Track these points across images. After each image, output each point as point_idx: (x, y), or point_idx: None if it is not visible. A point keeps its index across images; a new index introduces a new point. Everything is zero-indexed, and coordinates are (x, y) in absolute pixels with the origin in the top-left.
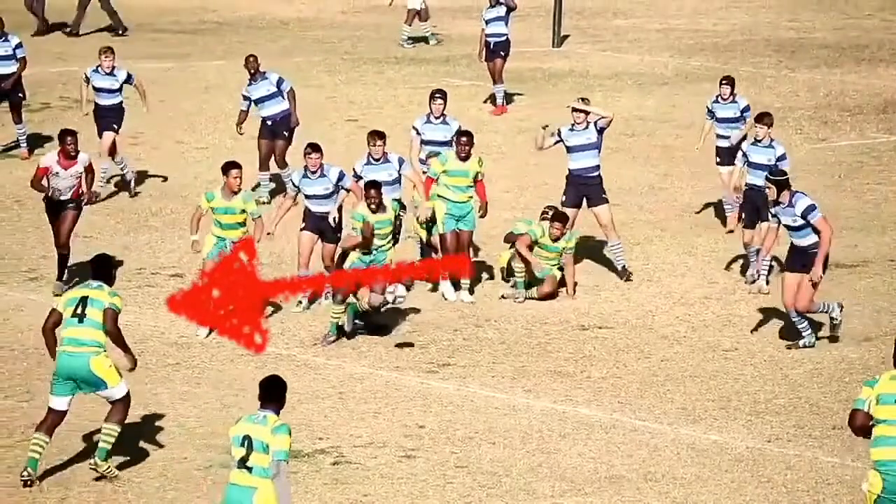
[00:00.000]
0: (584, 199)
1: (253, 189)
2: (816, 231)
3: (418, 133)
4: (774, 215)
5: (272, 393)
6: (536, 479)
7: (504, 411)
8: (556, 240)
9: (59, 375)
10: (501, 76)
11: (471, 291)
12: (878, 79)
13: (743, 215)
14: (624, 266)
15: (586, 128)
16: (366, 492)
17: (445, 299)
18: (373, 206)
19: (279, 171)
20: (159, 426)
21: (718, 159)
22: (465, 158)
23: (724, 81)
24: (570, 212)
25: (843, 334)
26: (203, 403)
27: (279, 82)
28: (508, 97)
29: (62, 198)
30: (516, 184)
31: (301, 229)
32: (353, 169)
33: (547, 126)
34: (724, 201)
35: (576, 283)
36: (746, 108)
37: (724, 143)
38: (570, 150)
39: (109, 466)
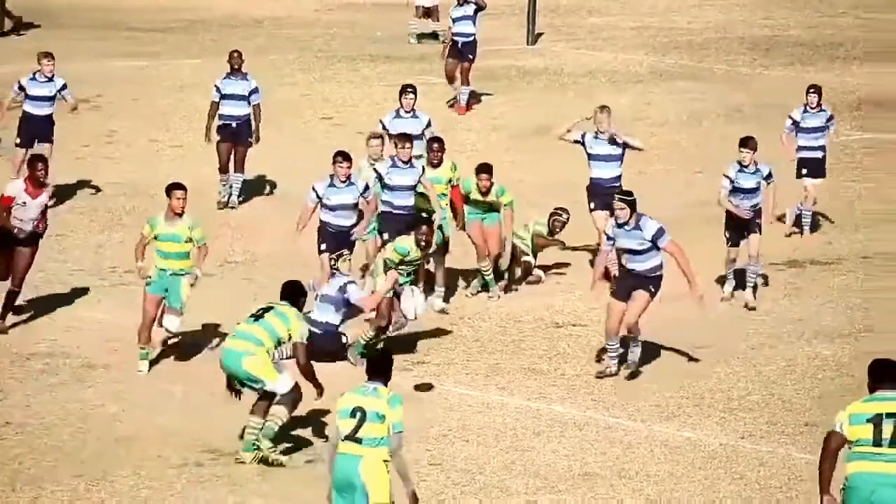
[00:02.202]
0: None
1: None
2: (665, 254)
3: (385, 128)
4: (611, 238)
5: (380, 366)
6: (510, 476)
7: (478, 409)
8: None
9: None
10: (468, 78)
11: (445, 300)
12: (851, 76)
13: (728, 235)
14: None
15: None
16: None
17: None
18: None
19: (235, 176)
20: (133, 424)
21: (805, 171)
22: (437, 165)
23: (811, 90)
24: (601, 215)
25: (818, 331)
26: (178, 402)
27: (253, 90)
28: (476, 96)
29: (24, 231)
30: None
31: (321, 251)
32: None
33: (580, 121)
34: (802, 213)
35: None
36: (831, 118)
37: (809, 154)
38: (592, 157)
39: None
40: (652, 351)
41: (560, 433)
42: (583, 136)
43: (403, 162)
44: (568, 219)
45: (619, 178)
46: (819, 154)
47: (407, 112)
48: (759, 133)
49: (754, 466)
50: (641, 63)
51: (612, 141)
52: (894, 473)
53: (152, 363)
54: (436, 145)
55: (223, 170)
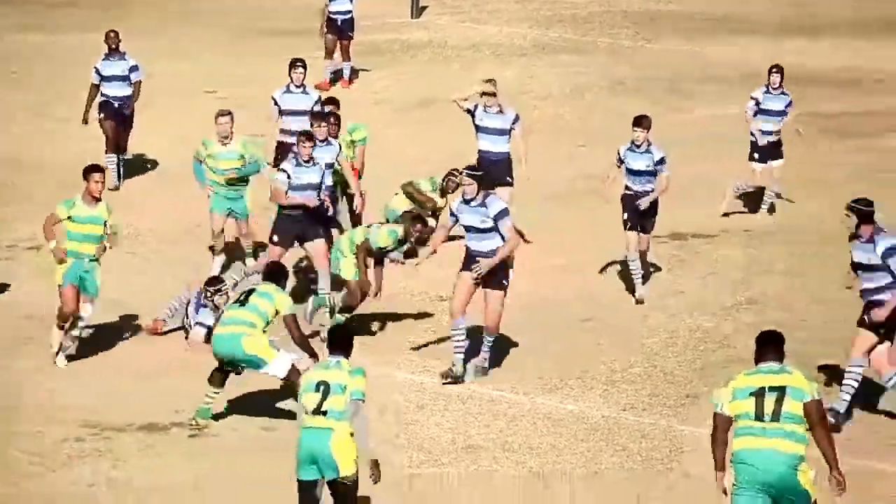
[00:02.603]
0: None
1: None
2: (502, 237)
3: (276, 104)
4: (454, 214)
5: (341, 341)
6: (393, 449)
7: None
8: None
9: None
10: (349, 54)
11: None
12: (736, 50)
13: (627, 220)
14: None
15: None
16: (224, 464)
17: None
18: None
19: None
20: (12, 402)
21: (757, 155)
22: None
23: (774, 70)
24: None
25: (700, 304)
26: (58, 378)
27: (133, 68)
28: (355, 71)
29: None
30: (376, 156)
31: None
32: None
33: (476, 94)
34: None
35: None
36: (790, 103)
37: (765, 139)
38: (479, 129)
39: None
40: (535, 324)
41: (444, 406)
42: (474, 108)
43: (321, 140)
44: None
45: (506, 153)
46: (775, 138)
47: (297, 86)
48: (643, 107)
49: (636, 438)
50: (525, 36)
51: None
52: (777, 449)
53: (32, 339)
54: (332, 119)
55: (110, 149)
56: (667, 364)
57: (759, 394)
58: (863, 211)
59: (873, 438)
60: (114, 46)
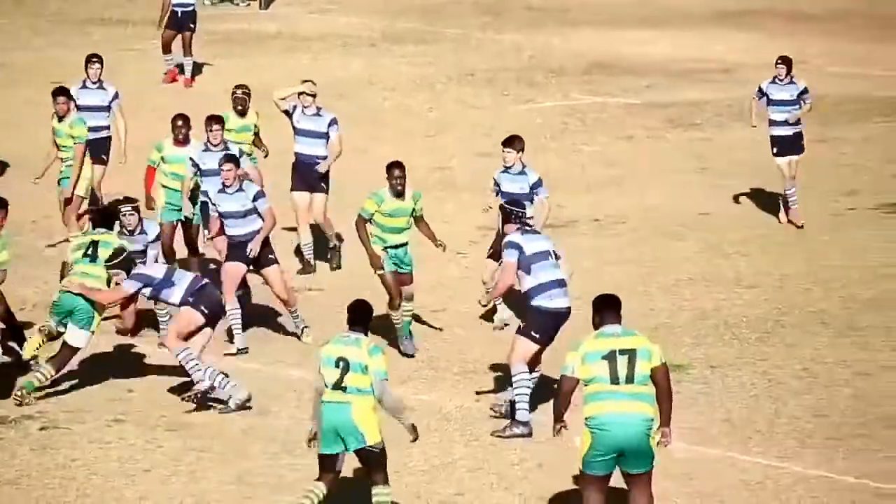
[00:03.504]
0: None
1: None
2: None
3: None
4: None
5: (360, 316)
6: (249, 440)
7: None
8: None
9: None
10: (191, 48)
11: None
12: (581, 41)
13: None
14: None
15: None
16: (74, 456)
17: None
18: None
19: None
20: None
21: (776, 149)
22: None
23: (779, 62)
24: (301, 196)
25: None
26: None
27: None
28: (198, 66)
29: None
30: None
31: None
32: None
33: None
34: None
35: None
36: (805, 91)
37: (779, 131)
38: (297, 132)
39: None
40: (386, 315)
41: (297, 397)
42: (293, 108)
43: (214, 145)
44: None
45: (323, 157)
46: (789, 131)
47: (94, 83)
48: (492, 99)
49: (488, 427)
50: (373, 27)
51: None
52: (634, 412)
53: None
54: (180, 121)
55: None
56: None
57: (610, 357)
58: None
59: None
60: None
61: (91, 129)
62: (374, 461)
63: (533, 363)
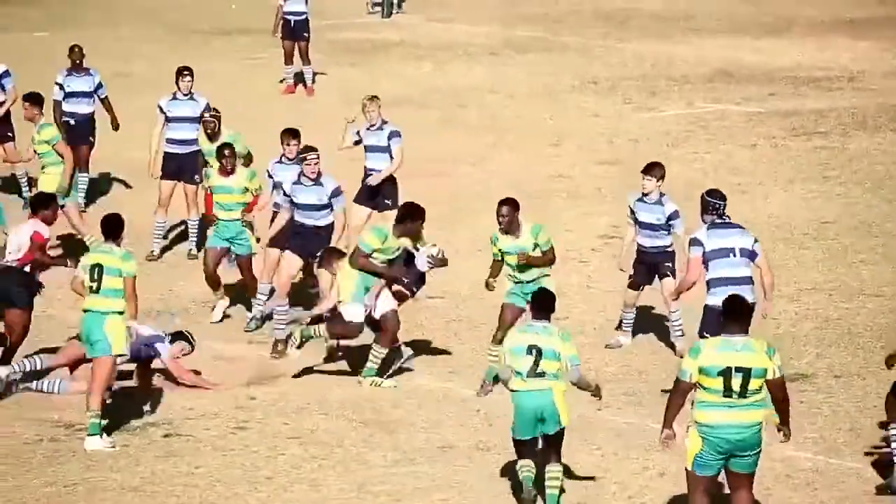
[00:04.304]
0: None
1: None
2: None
3: (162, 111)
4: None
5: (545, 303)
6: (368, 449)
7: (336, 381)
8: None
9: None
10: (308, 57)
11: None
12: (704, 49)
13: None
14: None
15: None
16: (198, 464)
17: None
18: None
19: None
20: None
21: None
22: (230, 172)
23: None
24: (361, 209)
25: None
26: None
27: (99, 85)
28: (320, 77)
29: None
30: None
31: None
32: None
33: (347, 123)
34: None
35: None
36: None
37: None
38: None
39: None
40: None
41: (418, 406)
42: (357, 133)
43: (290, 160)
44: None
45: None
46: None
47: (185, 95)
48: (615, 107)
49: (609, 437)
50: (496, 35)
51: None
52: (745, 420)
53: None
54: (227, 152)
55: (80, 168)
56: (640, 363)
57: (725, 373)
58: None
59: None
60: (78, 62)
61: (180, 143)
62: (558, 440)
63: None
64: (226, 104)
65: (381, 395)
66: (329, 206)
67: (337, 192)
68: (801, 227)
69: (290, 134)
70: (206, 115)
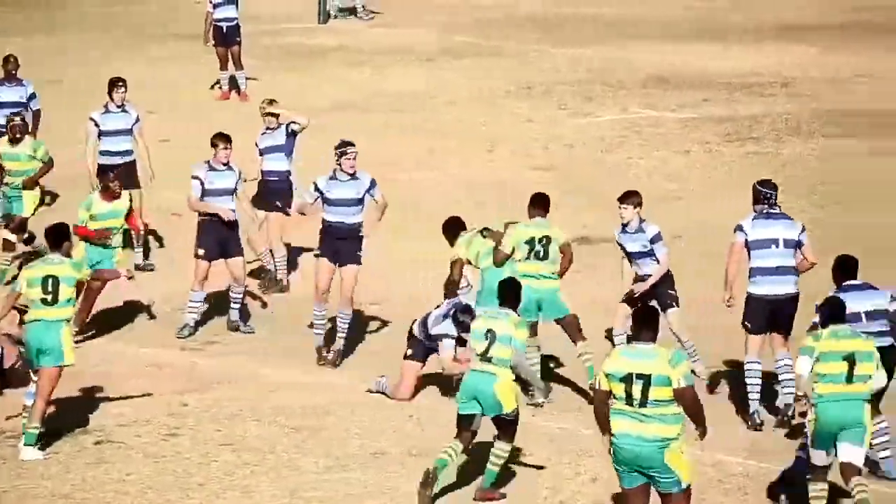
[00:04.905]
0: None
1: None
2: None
3: (96, 125)
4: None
5: (510, 294)
6: (301, 455)
7: (270, 388)
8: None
9: None
10: (241, 62)
11: None
12: (639, 55)
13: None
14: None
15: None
16: (129, 471)
17: None
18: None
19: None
20: None
21: None
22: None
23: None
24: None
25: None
26: None
27: (31, 96)
28: (256, 82)
29: None
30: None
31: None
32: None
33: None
34: None
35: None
36: None
37: None
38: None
39: None
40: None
41: (351, 412)
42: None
43: (223, 164)
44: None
45: (287, 172)
46: None
47: (118, 107)
48: (549, 112)
49: (543, 442)
50: (433, 41)
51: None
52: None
53: None
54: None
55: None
56: (580, 369)
57: (627, 380)
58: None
59: None
60: (13, 71)
61: (118, 154)
62: (506, 426)
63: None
64: (164, 110)
65: (313, 401)
66: (362, 201)
67: (374, 183)
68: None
69: (221, 138)
70: (16, 119)
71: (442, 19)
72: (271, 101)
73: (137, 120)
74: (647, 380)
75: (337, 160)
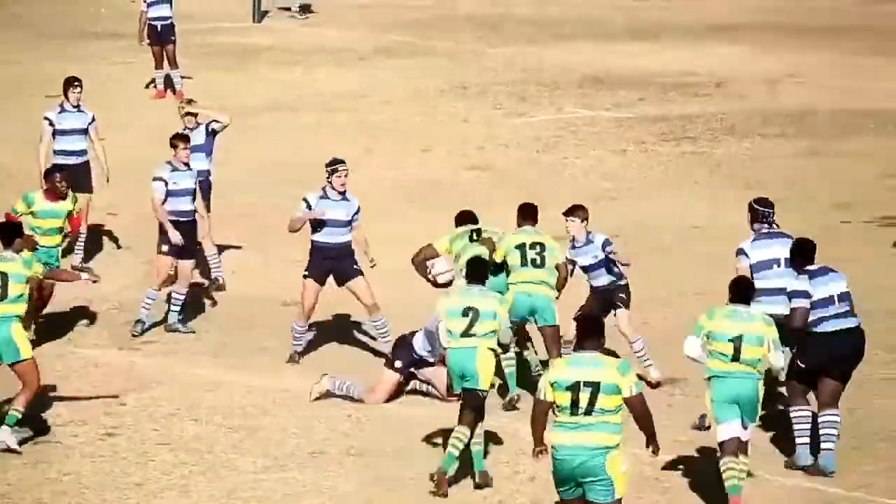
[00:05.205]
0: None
1: None
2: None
3: (51, 124)
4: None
5: (481, 272)
6: (239, 455)
7: (207, 388)
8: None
9: None
10: (175, 61)
11: None
12: (574, 54)
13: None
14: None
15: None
16: (66, 470)
17: None
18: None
19: None
20: None
21: None
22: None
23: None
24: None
25: None
26: None
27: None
28: (191, 81)
29: None
30: (224, 163)
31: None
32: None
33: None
34: None
35: None
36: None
37: None
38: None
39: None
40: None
41: (288, 411)
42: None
43: (184, 164)
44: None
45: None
46: None
47: (74, 107)
48: (485, 112)
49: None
50: (366, 40)
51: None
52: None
53: None
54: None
55: None
56: (521, 369)
57: (574, 388)
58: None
59: None
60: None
61: (72, 154)
62: (474, 401)
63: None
64: (98, 109)
65: (251, 400)
66: (351, 222)
67: (359, 209)
68: (670, 232)
69: (180, 138)
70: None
71: (377, 19)
72: (189, 101)
73: (93, 120)
74: (595, 387)
75: (328, 178)
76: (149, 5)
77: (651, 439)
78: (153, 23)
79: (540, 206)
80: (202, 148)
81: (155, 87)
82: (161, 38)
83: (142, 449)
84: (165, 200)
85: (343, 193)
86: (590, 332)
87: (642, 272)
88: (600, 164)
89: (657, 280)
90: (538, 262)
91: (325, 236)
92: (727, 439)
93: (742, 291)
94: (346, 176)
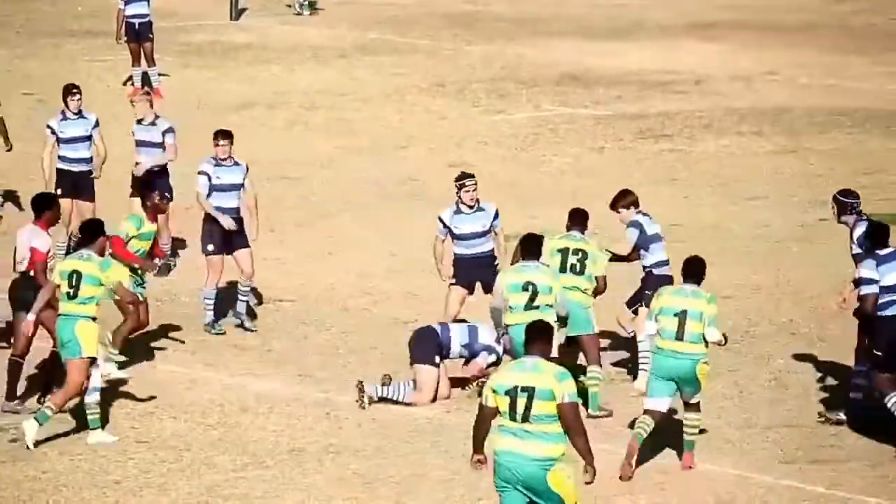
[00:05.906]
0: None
1: None
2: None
3: (53, 132)
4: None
5: (533, 247)
6: (217, 452)
7: (185, 385)
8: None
9: None
10: (153, 58)
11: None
12: (552, 52)
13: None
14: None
15: (476, 210)
16: (44, 468)
17: None
18: None
19: None
20: None
21: None
22: None
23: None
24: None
25: None
26: None
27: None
28: (169, 78)
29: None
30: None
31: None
32: None
33: None
34: None
35: None
36: None
37: None
38: (137, 143)
39: None
40: (359, 326)
41: (268, 409)
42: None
43: (222, 160)
44: None
45: (164, 168)
46: None
47: (74, 114)
48: (463, 109)
49: (460, 439)
50: (345, 38)
51: (153, 125)
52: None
53: None
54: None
55: None
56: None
57: (511, 393)
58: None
59: None
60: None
61: (75, 161)
62: None
63: None
64: None
65: (229, 398)
66: (489, 231)
67: (497, 214)
68: None
69: (222, 134)
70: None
71: (356, 17)
72: (146, 93)
73: (97, 124)
74: (531, 392)
75: (457, 192)
76: (126, 3)
77: (586, 460)
78: (130, 20)
79: (518, 203)
80: (159, 145)
81: (132, 84)
82: (138, 35)
83: (120, 447)
84: (209, 195)
85: (474, 205)
86: (536, 336)
87: (619, 270)
88: (578, 162)
89: (635, 277)
90: (578, 268)
91: (466, 248)
92: (651, 410)
93: (692, 270)
94: (474, 190)
